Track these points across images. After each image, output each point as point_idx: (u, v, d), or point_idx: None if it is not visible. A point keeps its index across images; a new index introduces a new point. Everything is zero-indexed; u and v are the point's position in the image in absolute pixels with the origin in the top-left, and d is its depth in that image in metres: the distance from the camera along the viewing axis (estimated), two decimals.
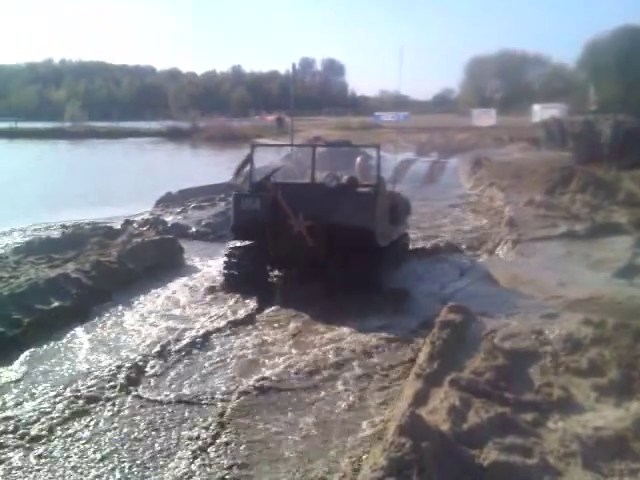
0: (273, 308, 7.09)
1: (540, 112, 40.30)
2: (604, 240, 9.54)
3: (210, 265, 9.30)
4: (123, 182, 21.09)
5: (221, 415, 4.55)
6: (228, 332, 6.40)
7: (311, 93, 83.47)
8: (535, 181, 15.33)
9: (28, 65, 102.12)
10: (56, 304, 6.83)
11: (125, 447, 4.15)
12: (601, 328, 5.24)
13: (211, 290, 7.87)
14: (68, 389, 5.02)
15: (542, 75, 68.24)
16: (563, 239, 9.79)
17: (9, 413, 4.63)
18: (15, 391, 5.05)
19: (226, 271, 7.92)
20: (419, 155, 26.25)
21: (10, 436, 4.28)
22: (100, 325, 6.69)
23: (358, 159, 8.91)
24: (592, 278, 7.48)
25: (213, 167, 23.80)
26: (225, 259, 7.99)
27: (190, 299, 7.60)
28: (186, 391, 5.01)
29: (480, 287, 7.61)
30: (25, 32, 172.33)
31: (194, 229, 11.99)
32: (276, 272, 8.38)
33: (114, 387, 5.07)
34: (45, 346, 6.03)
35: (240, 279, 7.76)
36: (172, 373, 5.39)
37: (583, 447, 3.51)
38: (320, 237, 7.31)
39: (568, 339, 5.16)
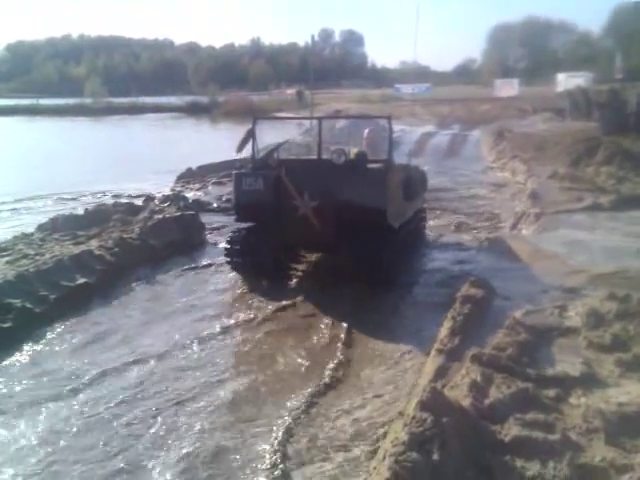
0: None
1: (565, 81, 39.42)
2: (630, 213, 9.34)
3: None
4: (146, 158, 21.20)
5: None
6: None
7: (331, 65, 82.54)
8: (559, 153, 15.01)
9: (47, 40, 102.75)
10: (81, 281, 6.95)
11: None
12: (626, 303, 5.17)
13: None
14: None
15: (567, 43, 66.68)
16: (587, 212, 9.60)
17: None
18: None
19: (229, 258, 7.51)
20: (440, 128, 25.87)
21: None
22: (124, 302, 6.80)
23: (366, 131, 8.01)
24: (617, 252, 7.35)
25: (232, 141, 23.79)
26: (227, 245, 7.50)
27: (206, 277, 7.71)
28: None
29: (501, 262, 7.53)
30: (43, 6, 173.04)
31: (215, 205, 12.06)
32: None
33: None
34: (72, 321, 6.16)
35: (245, 265, 7.40)
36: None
37: (606, 423, 3.48)
38: (327, 219, 6.79)
39: (592, 314, 5.12)
